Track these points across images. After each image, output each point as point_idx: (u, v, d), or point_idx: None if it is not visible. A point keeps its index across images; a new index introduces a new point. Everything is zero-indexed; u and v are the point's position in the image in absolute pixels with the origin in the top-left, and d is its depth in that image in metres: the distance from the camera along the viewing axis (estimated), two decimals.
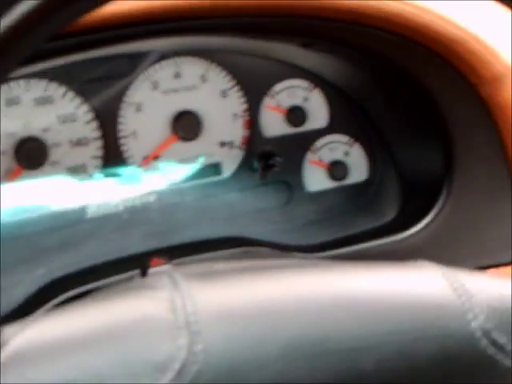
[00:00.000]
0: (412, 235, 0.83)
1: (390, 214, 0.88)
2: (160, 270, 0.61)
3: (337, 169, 0.89)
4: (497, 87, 0.81)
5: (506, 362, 0.39)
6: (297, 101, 0.87)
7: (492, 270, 0.86)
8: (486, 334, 0.39)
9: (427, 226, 0.83)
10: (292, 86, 0.86)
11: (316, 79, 0.87)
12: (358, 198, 0.90)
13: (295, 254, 0.81)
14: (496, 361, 0.38)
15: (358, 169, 0.90)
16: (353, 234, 0.86)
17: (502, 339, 0.39)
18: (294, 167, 0.88)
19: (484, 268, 0.86)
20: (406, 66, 0.81)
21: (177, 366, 0.36)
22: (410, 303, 0.40)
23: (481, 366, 0.39)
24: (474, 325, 0.39)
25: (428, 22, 0.76)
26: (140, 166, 0.83)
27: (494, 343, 0.39)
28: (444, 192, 0.84)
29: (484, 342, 0.39)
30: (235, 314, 0.38)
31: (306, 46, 0.80)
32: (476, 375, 0.39)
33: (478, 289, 0.41)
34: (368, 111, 0.88)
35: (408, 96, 0.85)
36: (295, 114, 0.87)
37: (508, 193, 0.85)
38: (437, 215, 0.84)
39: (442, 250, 0.84)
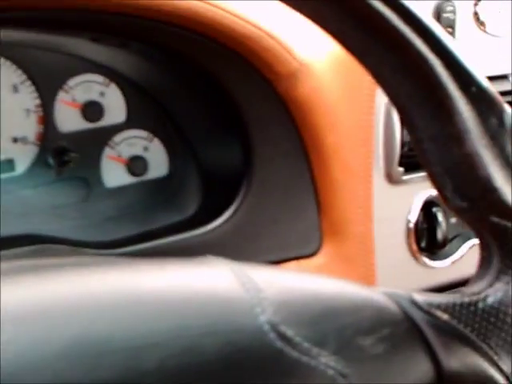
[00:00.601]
0: (212, 230, 0.83)
1: (191, 209, 0.88)
2: None
3: (136, 164, 0.87)
4: (293, 83, 0.82)
5: (294, 354, 0.39)
6: (93, 96, 0.85)
7: (293, 263, 0.88)
8: (274, 327, 0.39)
9: (228, 220, 0.84)
10: (87, 81, 0.84)
11: (111, 74, 0.85)
12: (159, 193, 0.89)
13: (91, 250, 0.79)
14: (284, 353, 0.39)
15: (158, 164, 0.89)
16: (153, 229, 0.85)
17: (290, 332, 0.39)
18: (92, 163, 0.86)
19: (286, 261, 0.87)
20: (201, 62, 0.80)
21: None
22: (197, 299, 0.39)
23: (269, 358, 0.39)
24: (262, 319, 0.39)
25: (221, 19, 0.76)
26: None
27: (281, 336, 0.39)
28: (244, 187, 0.84)
29: (272, 336, 0.39)
30: (10, 316, 0.36)
31: (95, 40, 0.78)
32: (264, 368, 0.39)
33: (267, 283, 0.41)
34: (167, 107, 0.87)
35: (206, 92, 0.84)
36: (91, 109, 0.84)
37: (308, 187, 0.87)
38: (237, 210, 0.84)
39: (243, 244, 0.85)
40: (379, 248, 0.93)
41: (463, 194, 0.46)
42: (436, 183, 0.48)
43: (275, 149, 0.85)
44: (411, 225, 0.96)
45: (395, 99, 0.48)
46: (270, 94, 0.82)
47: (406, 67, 0.46)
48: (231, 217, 0.84)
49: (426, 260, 0.98)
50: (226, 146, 0.86)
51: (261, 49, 0.79)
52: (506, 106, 0.47)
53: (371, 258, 0.93)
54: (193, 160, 0.88)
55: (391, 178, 0.93)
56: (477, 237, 0.49)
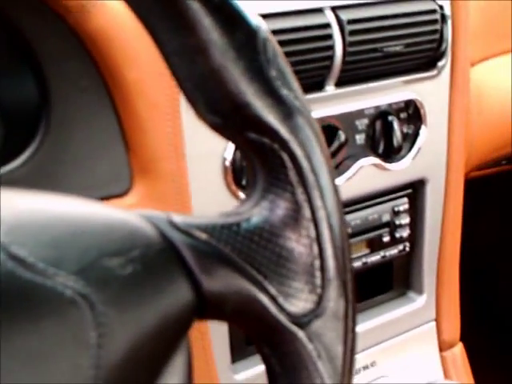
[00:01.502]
0: (12, 170, 0.81)
1: None
2: None
3: None
4: (84, 16, 0.81)
5: (26, 274, 0.37)
6: None
7: (104, 203, 0.86)
8: (4, 247, 0.38)
9: (28, 160, 0.82)
10: None
11: None
12: None
13: None
14: (15, 274, 0.37)
15: None
16: None
17: (22, 252, 0.38)
18: None
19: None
20: None
21: None
22: None
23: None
24: None
25: None
26: None
27: (12, 257, 0.37)
28: (42, 126, 0.83)
29: (1, 257, 0.37)
30: None
31: None
32: None
33: (3, 204, 0.40)
34: None
35: None
36: None
37: (113, 124, 0.86)
38: (37, 149, 0.82)
39: (46, 185, 0.83)
40: (195, 187, 0.92)
41: (215, 110, 0.45)
42: (189, 99, 0.47)
43: (73, 85, 0.83)
44: (227, 163, 0.95)
45: (137, 13, 0.47)
46: (61, 28, 0.81)
47: None
48: (31, 156, 0.82)
49: None
50: (22, 83, 0.84)
51: None
52: (260, 22, 0.46)
53: (186, 197, 0.92)
54: None
55: None
56: (242, 156, 0.48)
